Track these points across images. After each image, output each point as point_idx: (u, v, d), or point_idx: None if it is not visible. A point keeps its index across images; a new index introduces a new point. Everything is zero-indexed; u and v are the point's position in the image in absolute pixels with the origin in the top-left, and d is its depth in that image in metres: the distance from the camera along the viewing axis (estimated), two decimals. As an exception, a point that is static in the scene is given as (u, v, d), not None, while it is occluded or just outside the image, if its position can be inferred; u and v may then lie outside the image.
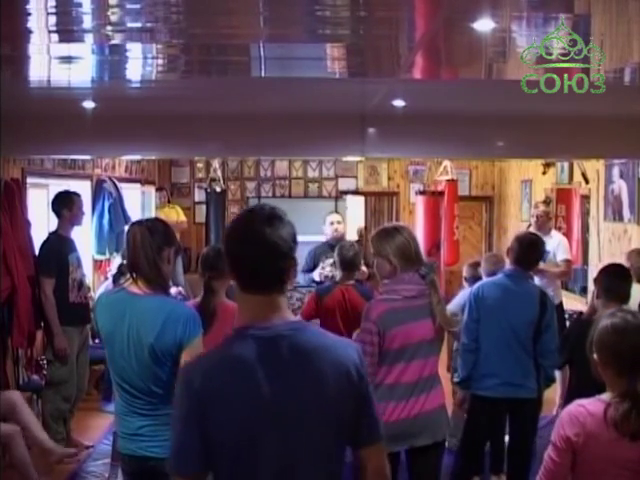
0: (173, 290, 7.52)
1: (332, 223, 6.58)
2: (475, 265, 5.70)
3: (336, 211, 8.37)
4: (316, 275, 6.22)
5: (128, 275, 3.04)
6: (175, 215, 9.82)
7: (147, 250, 2.94)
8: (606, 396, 2.36)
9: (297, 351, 1.84)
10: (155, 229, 3.00)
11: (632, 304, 4.61)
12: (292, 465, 1.82)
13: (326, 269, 6.05)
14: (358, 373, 1.89)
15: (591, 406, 2.34)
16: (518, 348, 4.29)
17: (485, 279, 4.78)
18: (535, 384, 4.34)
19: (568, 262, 6.62)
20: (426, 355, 3.48)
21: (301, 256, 6.03)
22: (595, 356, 2.41)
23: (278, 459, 1.81)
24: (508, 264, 4.59)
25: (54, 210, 5.75)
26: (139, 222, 3.13)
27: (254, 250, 1.85)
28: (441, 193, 8.08)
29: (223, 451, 1.80)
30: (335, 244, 5.57)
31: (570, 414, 2.35)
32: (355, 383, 1.88)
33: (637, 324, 2.40)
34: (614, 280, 3.87)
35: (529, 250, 4.44)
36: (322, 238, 6.70)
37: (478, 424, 4.51)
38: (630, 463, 2.31)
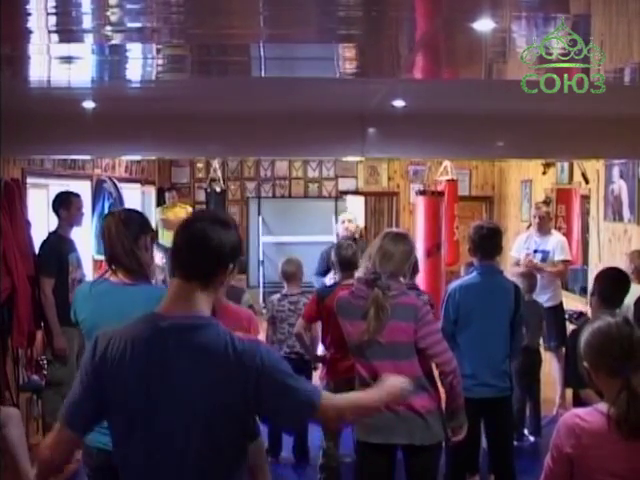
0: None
1: (343, 222, 6.42)
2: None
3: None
4: (328, 280, 5.88)
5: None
6: (184, 215, 9.82)
7: (123, 240, 2.94)
8: (603, 405, 2.32)
9: (181, 344, 1.96)
10: (129, 218, 3.01)
11: (628, 303, 4.61)
12: (166, 437, 1.97)
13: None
14: (243, 376, 1.94)
15: (588, 416, 2.31)
16: (495, 347, 4.28)
17: (459, 280, 4.68)
18: (509, 382, 4.35)
19: (565, 262, 6.60)
20: (387, 357, 3.38)
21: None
22: (585, 364, 2.38)
23: (151, 430, 1.97)
24: (476, 259, 4.42)
25: (54, 210, 5.75)
26: (112, 213, 3.15)
27: (183, 239, 2.04)
28: (441, 193, 8.06)
29: (118, 411, 2.01)
30: None
31: (567, 425, 2.32)
32: (230, 387, 1.94)
33: (619, 323, 2.40)
34: (611, 288, 3.95)
35: (487, 239, 4.36)
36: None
37: None
38: (630, 472, 2.28)
